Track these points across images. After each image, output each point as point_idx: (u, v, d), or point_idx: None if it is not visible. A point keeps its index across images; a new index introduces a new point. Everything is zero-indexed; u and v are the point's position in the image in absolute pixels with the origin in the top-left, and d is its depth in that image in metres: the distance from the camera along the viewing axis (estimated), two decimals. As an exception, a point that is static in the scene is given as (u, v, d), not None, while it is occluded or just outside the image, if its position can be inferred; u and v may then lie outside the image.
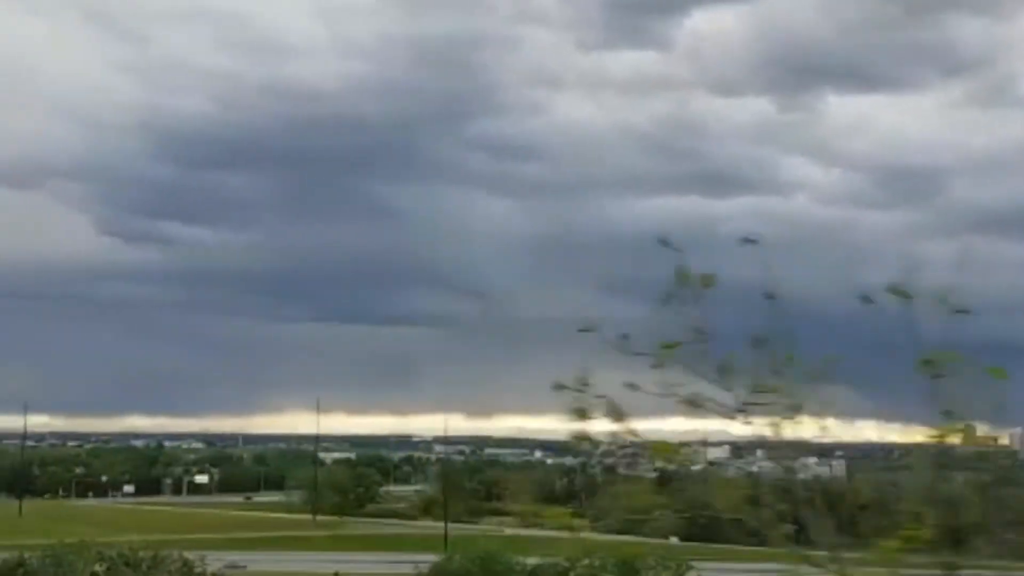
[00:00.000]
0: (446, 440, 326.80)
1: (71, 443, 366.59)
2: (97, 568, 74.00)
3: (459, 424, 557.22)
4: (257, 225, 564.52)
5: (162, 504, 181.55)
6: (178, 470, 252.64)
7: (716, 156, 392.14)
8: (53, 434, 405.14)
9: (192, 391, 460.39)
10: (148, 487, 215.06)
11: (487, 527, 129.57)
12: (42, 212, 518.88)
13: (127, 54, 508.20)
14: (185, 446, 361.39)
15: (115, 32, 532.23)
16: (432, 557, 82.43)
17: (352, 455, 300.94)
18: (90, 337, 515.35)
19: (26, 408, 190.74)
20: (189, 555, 76.05)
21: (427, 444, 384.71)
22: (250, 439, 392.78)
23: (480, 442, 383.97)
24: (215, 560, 78.97)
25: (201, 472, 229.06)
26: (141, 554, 74.26)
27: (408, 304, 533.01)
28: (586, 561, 71.69)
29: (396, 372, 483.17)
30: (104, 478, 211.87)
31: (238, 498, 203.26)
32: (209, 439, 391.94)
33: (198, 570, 75.84)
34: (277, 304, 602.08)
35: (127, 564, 73.29)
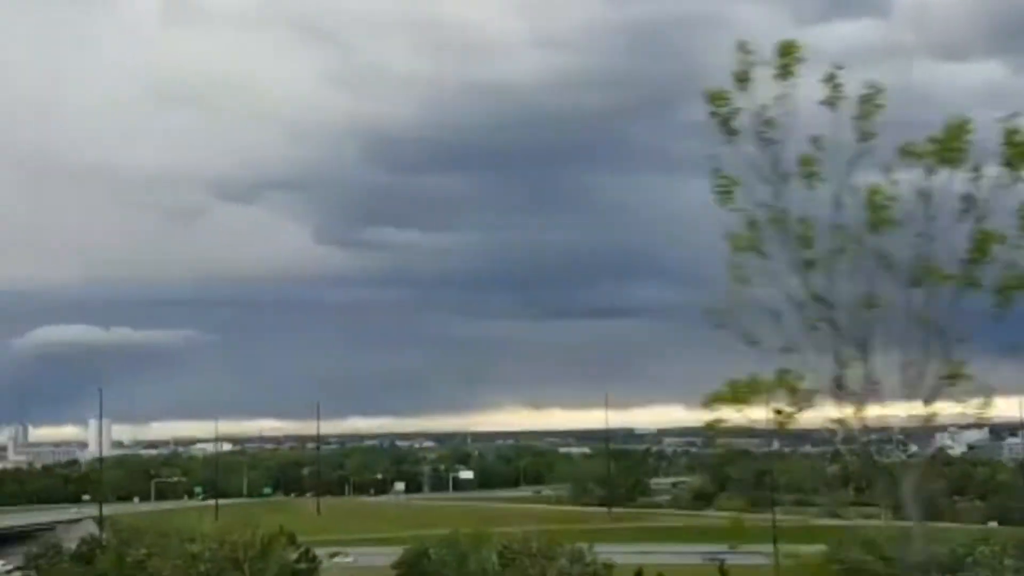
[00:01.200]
0: (678, 433, 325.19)
1: (309, 445, 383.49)
2: (493, 558, 78.23)
3: (681, 416, 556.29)
4: (467, 225, 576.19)
5: (440, 500, 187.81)
6: (426, 468, 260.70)
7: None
8: (288, 437, 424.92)
9: (412, 391, 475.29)
10: (409, 486, 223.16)
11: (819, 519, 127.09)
12: (261, 224, 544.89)
13: (334, 64, 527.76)
14: (416, 445, 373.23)
15: (322, 43, 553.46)
16: (765, 548, 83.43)
17: (586, 449, 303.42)
18: (311, 343, 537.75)
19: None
20: (576, 547, 79.35)
21: (654, 437, 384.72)
22: (477, 437, 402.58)
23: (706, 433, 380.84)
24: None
25: (457, 469, 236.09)
26: (533, 545, 77.98)
27: (621, 296, 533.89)
28: (982, 549, 70.97)
29: (612, 366, 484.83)
30: (379, 476, 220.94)
31: (502, 493, 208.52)
32: (438, 438, 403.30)
33: (588, 559, 78.98)
34: (491, 302, 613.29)
35: (522, 554, 77.07)
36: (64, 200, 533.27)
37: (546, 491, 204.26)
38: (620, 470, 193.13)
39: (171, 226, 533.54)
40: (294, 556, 78.09)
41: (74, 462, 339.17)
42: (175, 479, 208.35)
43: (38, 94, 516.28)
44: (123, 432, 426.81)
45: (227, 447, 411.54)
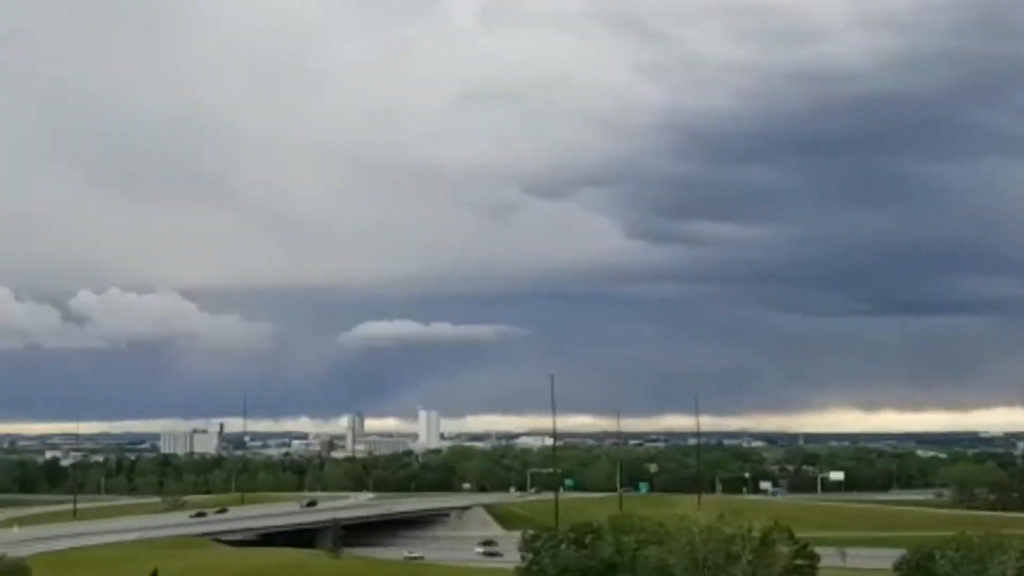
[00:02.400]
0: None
1: (633, 442, 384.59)
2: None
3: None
4: (787, 217, 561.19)
5: (819, 501, 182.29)
6: (770, 468, 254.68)
7: None
8: (607, 434, 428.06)
9: (731, 389, 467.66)
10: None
11: None
12: (573, 220, 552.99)
13: (649, 56, 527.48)
14: (745, 444, 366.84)
15: (638, 36, 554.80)
16: None
17: (941, 454, 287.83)
18: (623, 338, 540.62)
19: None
20: None
21: (1004, 440, 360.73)
22: (809, 438, 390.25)
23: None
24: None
25: (803, 471, 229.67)
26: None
27: (953, 291, 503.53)
28: None
29: (946, 365, 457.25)
30: (746, 475, 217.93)
31: (875, 495, 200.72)
32: (767, 437, 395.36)
33: None
34: (815, 297, 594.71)
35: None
36: (392, 200, 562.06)
37: (923, 496, 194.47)
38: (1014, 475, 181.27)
39: (487, 223, 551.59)
40: (790, 551, 75.64)
41: (409, 452, 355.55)
42: (548, 471, 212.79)
43: (371, 101, 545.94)
44: (448, 425, 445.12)
45: (547, 441, 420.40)
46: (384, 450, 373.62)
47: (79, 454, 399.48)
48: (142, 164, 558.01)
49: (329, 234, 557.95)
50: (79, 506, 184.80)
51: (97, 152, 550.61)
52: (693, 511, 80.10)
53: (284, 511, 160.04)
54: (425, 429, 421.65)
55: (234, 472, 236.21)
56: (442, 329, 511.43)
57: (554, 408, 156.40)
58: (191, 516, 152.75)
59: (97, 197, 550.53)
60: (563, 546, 77.38)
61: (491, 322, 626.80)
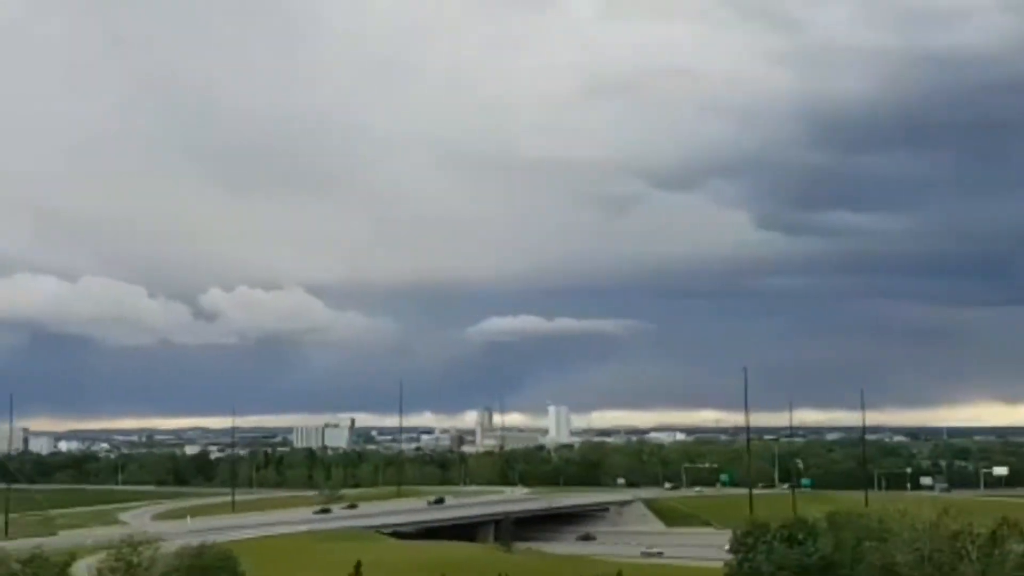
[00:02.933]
0: None
1: (767, 437, 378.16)
2: None
3: None
4: (923, 205, 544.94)
5: (986, 496, 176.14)
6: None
7: None
8: (738, 429, 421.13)
9: (867, 382, 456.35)
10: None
11: None
12: (699, 211, 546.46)
13: (779, 43, 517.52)
14: (887, 439, 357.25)
15: (766, 22, 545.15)
16: None
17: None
18: (752, 332, 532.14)
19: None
20: None
21: None
22: (952, 432, 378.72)
23: None
24: None
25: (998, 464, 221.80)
26: None
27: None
28: None
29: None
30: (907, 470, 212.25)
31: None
32: (909, 432, 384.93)
33: None
34: (953, 287, 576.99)
35: None
36: (511, 194, 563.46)
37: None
38: None
39: (609, 216, 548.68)
40: (1021, 549, 72.59)
41: (541, 447, 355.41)
42: (704, 466, 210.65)
43: (491, 95, 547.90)
44: (575, 420, 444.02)
45: (679, 436, 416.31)
46: (515, 445, 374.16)
47: (217, 448, 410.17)
48: (269, 165, 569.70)
49: (451, 230, 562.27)
50: (237, 498, 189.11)
51: (226, 154, 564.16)
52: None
53: (445, 505, 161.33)
54: (555, 424, 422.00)
55: (381, 466, 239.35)
56: (566, 324, 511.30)
57: (747, 404, 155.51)
58: (342, 508, 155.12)
59: (226, 198, 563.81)
60: (776, 543, 75.43)
61: (615, 317, 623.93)
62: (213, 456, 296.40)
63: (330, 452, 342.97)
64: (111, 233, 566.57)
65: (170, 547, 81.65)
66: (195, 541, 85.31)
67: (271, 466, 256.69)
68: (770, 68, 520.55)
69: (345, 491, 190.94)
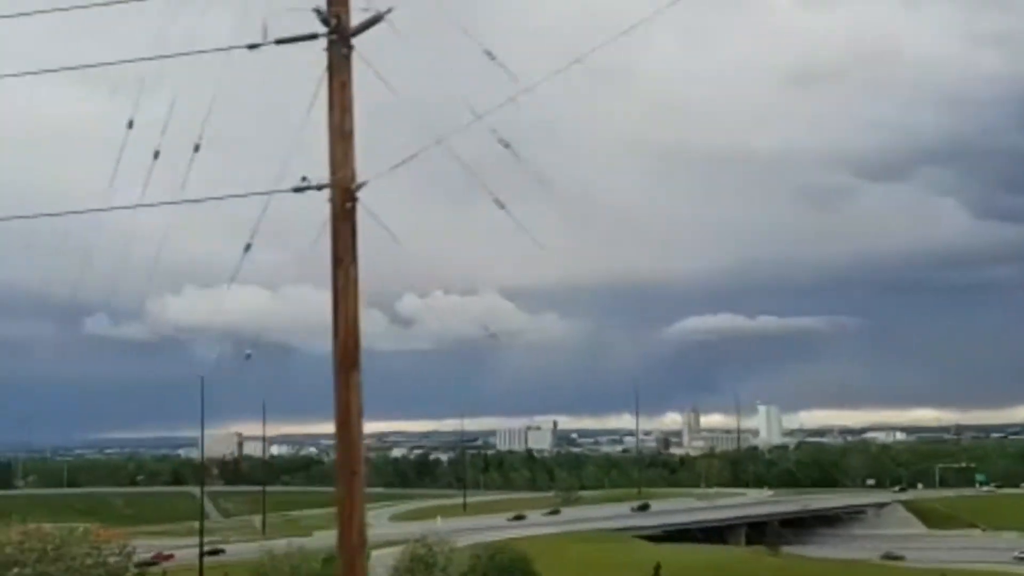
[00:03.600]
0: None
1: (995, 435, 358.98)
2: None
3: None
4: None
5: None
6: None
7: None
8: (960, 427, 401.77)
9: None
10: None
11: None
12: (911, 202, 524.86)
13: (987, 23, 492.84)
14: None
15: (975, 3, 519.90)
16: None
17: None
18: (966, 325, 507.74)
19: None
20: None
21: None
22: None
23: None
24: None
25: None
26: None
27: None
28: None
29: None
30: None
31: None
32: None
33: None
34: None
35: None
36: (701, 189, 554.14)
37: None
38: None
39: (814, 209, 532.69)
40: None
41: (754, 448, 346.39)
42: (960, 466, 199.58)
43: (686, 91, 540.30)
44: (787, 420, 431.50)
45: (899, 436, 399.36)
46: (725, 446, 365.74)
47: (420, 451, 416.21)
48: (461, 168, 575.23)
49: (648, 228, 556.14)
50: (468, 500, 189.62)
51: (417, 160, 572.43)
52: None
53: (686, 507, 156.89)
54: (765, 424, 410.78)
55: (605, 468, 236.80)
56: (767, 322, 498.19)
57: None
58: (543, 514, 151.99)
59: (419, 204, 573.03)
60: None
61: (821, 313, 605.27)
62: (430, 458, 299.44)
63: (536, 455, 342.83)
64: (308, 240, 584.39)
65: (443, 548, 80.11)
66: (461, 541, 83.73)
67: (492, 469, 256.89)
68: (979, 50, 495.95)
69: (580, 493, 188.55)
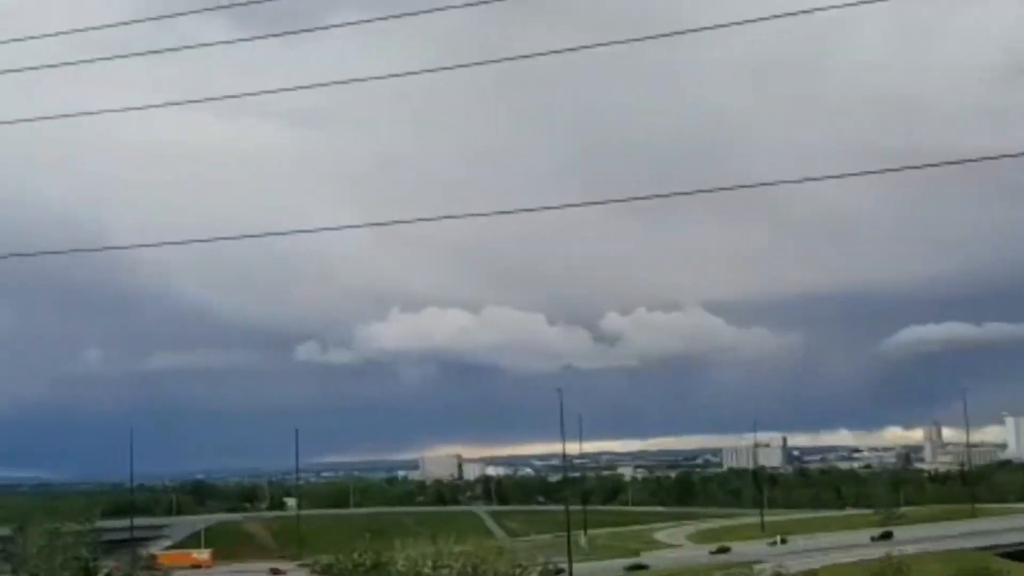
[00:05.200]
0: None
1: None
2: None
3: None
4: None
5: None
6: None
7: None
8: None
9: None
10: None
11: None
12: None
13: None
14: None
15: None
16: None
17: None
18: None
19: None
20: None
21: None
22: None
23: None
24: None
25: None
26: None
27: None
28: None
29: None
30: None
31: None
32: None
33: None
34: None
35: None
36: (927, 192, 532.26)
37: None
38: None
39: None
40: None
41: (1005, 463, 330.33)
42: None
43: (896, 91, 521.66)
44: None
45: None
46: (976, 461, 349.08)
47: (635, 469, 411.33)
48: (663, 181, 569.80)
49: (861, 235, 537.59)
50: (754, 519, 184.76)
51: (618, 172, 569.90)
52: None
53: None
54: (1014, 437, 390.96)
55: (901, 485, 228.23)
56: (999, 329, 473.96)
57: None
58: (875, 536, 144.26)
59: (621, 219, 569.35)
60: None
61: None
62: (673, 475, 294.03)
63: (769, 471, 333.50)
64: (510, 262, 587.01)
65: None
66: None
67: (747, 485, 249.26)
68: None
69: (904, 510, 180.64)
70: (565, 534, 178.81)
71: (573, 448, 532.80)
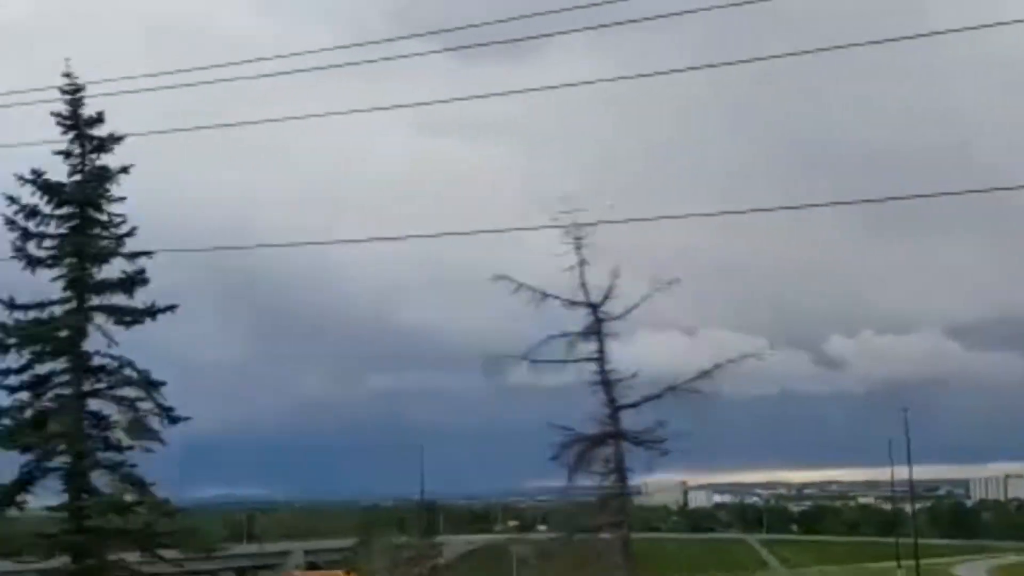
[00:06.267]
0: None
1: None
2: None
3: None
4: None
5: None
6: None
7: None
8: None
9: None
10: None
11: None
12: None
13: None
14: None
15: None
16: None
17: None
18: None
19: None
20: None
21: None
22: None
23: None
24: None
25: None
26: None
27: None
28: None
29: None
30: None
31: None
32: None
33: None
34: None
35: None
36: None
37: None
38: None
39: None
40: None
41: None
42: None
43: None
44: None
45: None
46: None
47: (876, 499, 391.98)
48: (903, 187, 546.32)
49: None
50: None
51: (851, 193, 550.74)
52: None
53: None
54: None
55: None
56: None
57: None
58: None
59: (848, 240, 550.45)
60: None
61: None
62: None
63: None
64: (728, 284, 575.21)
65: None
66: None
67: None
68: None
69: None
70: (853, 565, 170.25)
71: (795, 476, 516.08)
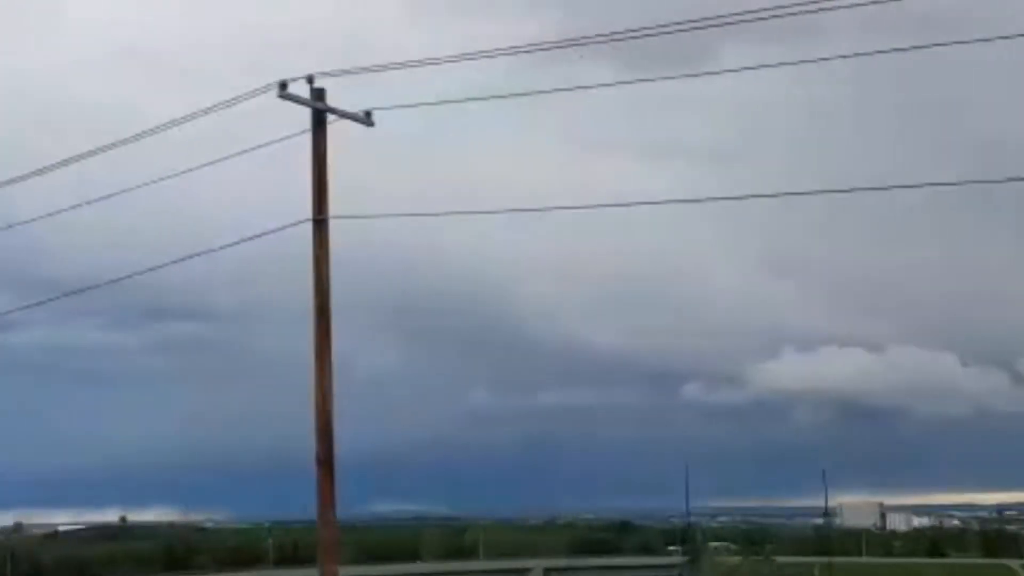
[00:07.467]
0: None
1: None
2: None
3: None
4: None
5: None
6: None
7: None
8: None
9: None
10: None
11: None
12: None
13: None
14: None
15: None
16: None
17: None
18: None
19: None
20: None
21: None
22: None
23: None
24: None
25: None
26: None
27: None
28: None
29: None
30: None
31: None
32: None
33: None
34: None
35: None
36: None
37: None
38: None
39: None
40: None
41: None
42: None
43: None
44: None
45: None
46: None
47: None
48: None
49: None
50: None
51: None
52: None
53: None
54: None
55: None
56: None
57: None
58: None
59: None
60: None
61: None
62: None
63: None
64: (916, 298, 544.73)
65: None
66: None
67: None
68: None
69: None
70: None
71: (993, 498, 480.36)
